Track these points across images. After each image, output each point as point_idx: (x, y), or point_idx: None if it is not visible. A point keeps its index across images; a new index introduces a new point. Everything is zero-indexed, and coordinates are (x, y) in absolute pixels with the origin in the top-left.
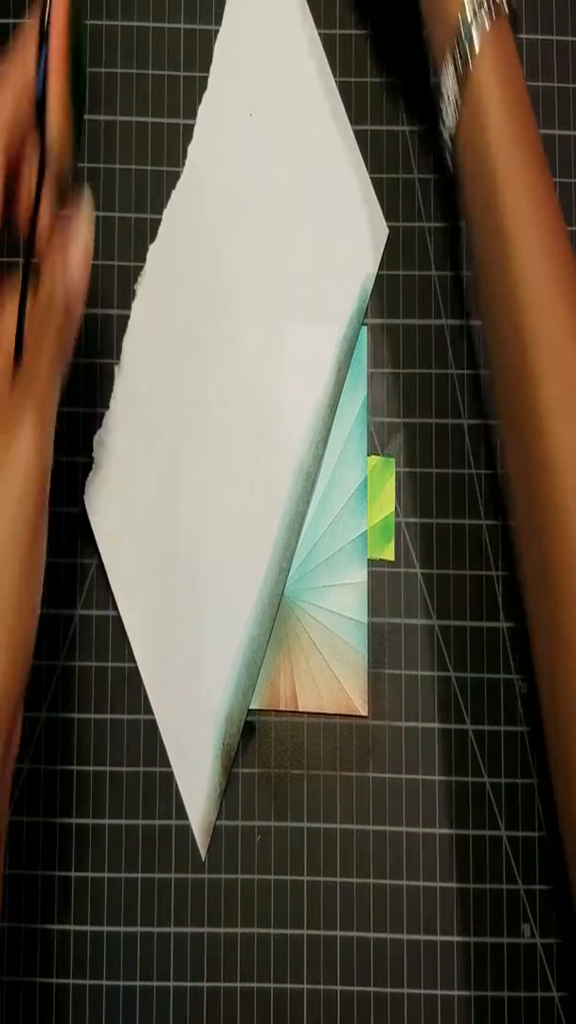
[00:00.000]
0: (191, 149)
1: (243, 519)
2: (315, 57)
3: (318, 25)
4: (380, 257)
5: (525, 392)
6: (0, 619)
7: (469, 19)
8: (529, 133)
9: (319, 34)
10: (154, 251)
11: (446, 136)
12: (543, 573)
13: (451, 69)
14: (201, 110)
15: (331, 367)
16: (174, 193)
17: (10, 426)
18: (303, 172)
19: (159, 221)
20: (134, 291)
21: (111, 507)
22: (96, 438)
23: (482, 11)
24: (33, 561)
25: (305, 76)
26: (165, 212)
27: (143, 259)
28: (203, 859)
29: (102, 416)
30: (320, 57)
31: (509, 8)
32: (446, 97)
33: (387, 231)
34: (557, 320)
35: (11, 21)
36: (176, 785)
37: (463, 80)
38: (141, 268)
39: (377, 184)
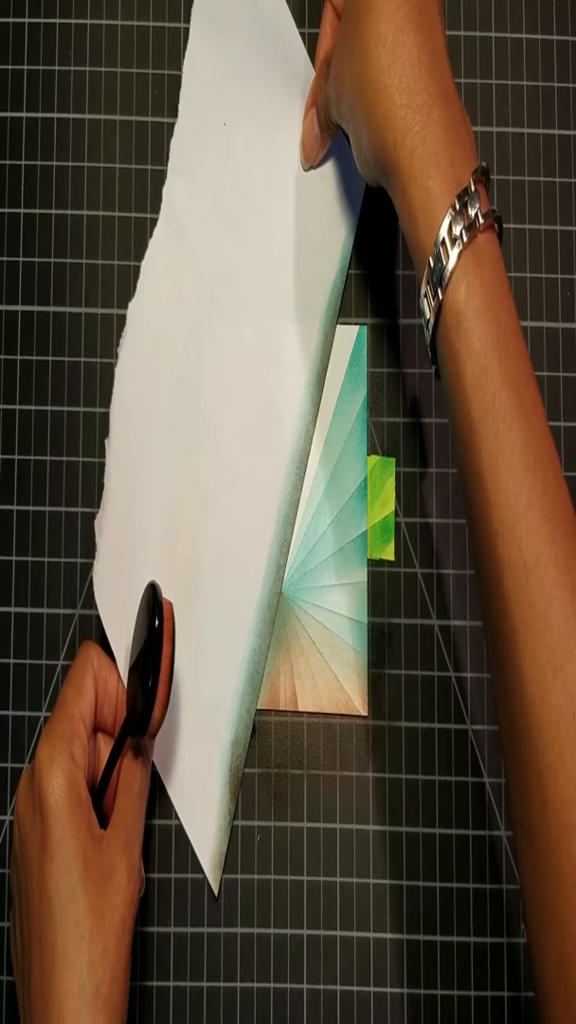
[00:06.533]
0: (171, 159)
1: (240, 523)
2: (291, 54)
3: (301, 24)
4: (351, 248)
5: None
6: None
7: (440, 253)
8: (505, 361)
9: (302, 32)
10: (145, 265)
11: (427, 338)
12: None
13: (426, 289)
14: (177, 126)
15: (315, 352)
16: (163, 202)
17: (107, 876)
18: (280, 173)
19: (157, 220)
20: (132, 292)
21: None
22: (96, 522)
23: (457, 242)
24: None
25: (279, 75)
26: (158, 224)
27: (143, 258)
28: (217, 896)
29: (102, 416)
30: (296, 53)
31: (495, 217)
32: (423, 313)
33: (355, 224)
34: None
35: (11, 20)
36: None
37: (439, 304)
38: (140, 267)
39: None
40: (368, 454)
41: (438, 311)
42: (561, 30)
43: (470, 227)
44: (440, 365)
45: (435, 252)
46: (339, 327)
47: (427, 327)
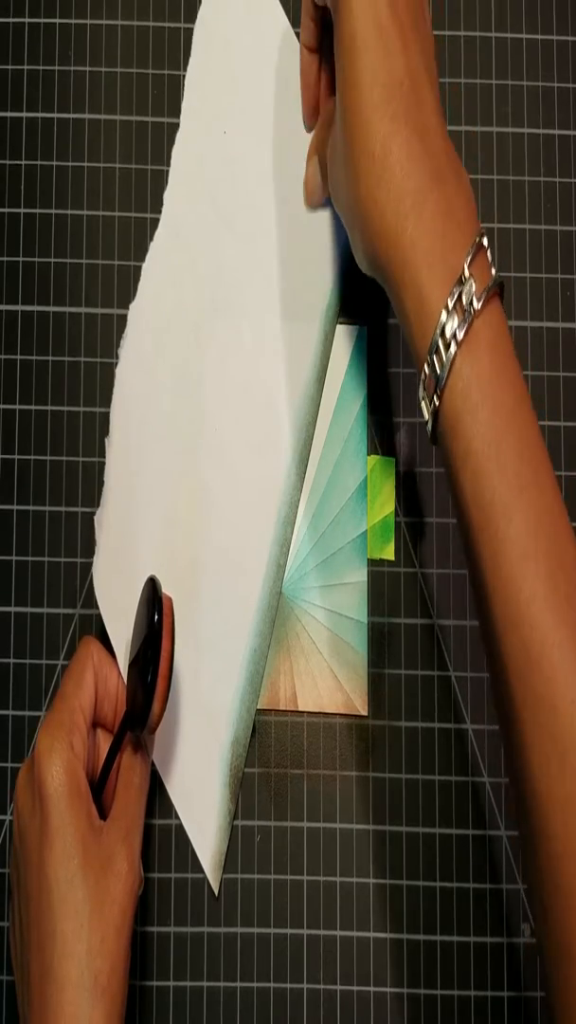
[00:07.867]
0: (172, 166)
1: (240, 523)
2: (292, 63)
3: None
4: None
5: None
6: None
7: (435, 361)
8: (505, 451)
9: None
10: (146, 268)
11: (428, 433)
12: None
13: (422, 393)
14: (179, 135)
15: (315, 353)
16: (164, 206)
17: (107, 865)
18: (281, 175)
19: (159, 220)
20: (132, 292)
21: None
22: (96, 518)
23: (452, 344)
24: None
25: (280, 84)
26: (159, 228)
27: (143, 258)
28: (217, 896)
29: (102, 416)
30: (296, 63)
31: (498, 286)
32: (422, 413)
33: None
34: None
35: (11, 21)
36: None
37: (435, 409)
38: (140, 268)
39: None
40: (368, 454)
41: (435, 413)
42: (561, 30)
43: (464, 319)
44: (442, 457)
45: (430, 361)
46: (339, 327)
47: (427, 426)
